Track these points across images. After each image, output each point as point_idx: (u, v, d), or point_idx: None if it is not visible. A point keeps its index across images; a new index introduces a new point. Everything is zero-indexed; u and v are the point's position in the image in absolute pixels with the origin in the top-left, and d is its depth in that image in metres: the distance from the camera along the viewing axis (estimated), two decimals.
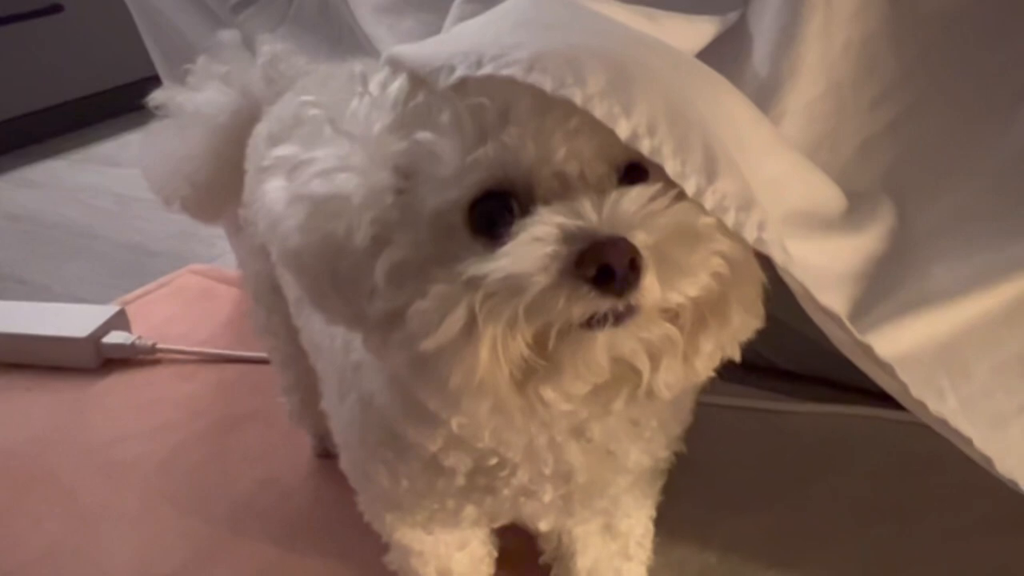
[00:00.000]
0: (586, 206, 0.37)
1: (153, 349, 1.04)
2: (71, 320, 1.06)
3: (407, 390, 0.46)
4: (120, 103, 2.06)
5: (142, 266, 1.30)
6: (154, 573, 0.74)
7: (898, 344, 0.51)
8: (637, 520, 0.62)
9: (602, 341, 0.38)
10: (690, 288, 0.38)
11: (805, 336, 0.79)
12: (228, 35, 0.84)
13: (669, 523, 0.68)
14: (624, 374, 0.41)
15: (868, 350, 0.48)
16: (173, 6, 1.04)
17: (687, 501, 0.71)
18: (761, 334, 0.87)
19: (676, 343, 0.40)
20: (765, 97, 0.57)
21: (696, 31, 0.56)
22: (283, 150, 0.45)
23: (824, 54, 0.58)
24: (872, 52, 0.58)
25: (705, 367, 0.42)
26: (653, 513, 0.63)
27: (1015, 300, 0.52)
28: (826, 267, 0.52)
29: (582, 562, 0.63)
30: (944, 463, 0.70)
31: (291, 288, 0.62)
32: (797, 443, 0.78)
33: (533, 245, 0.36)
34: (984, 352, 0.52)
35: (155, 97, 0.81)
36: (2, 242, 1.50)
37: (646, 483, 0.59)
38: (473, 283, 0.37)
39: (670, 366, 0.40)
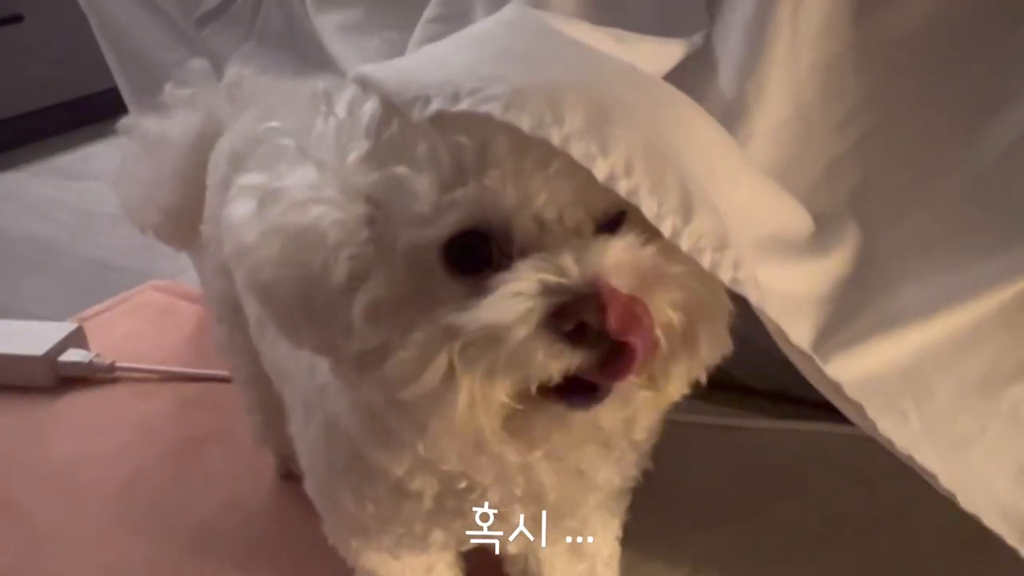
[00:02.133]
0: (567, 260, 0.37)
1: (112, 368, 1.02)
2: (27, 337, 1.04)
3: (372, 414, 0.46)
4: (80, 115, 2.04)
5: (103, 282, 1.28)
6: None
7: (862, 367, 0.52)
8: (604, 540, 0.62)
9: (580, 418, 0.39)
10: (659, 320, 0.38)
11: (768, 352, 0.80)
12: (198, 63, 0.83)
13: (637, 541, 0.68)
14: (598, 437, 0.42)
15: (838, 388, 0.49)
16: (135, 21, 1.02)
17: (654, 519, 0.70)
18: (737, 355, 0.87)
19: (652, 400, 0.41)
20: (732, 119, 0.57)
21: (663, 54, 0.56)
22: (251, 178, 0.45)
23: (790, 76, 0.58)
24: (837, 74, 0.58)
25: (675, 392, 0.42)
26: (619, 533, 0.63)
27: (977, 321, 0.53)
28: (793, 292, 0.52)
29: None
30: (903, 478, 0.72)
31: (252, 309, 0.61)
32: (761, 459, 0.79)
33: (513, 299, 0.37)
34: (947, 373, 0.53)
35: (123, 124, 0.82)
36: None
37: (613, 502, 0.60)
38: (452, 331, 0.37)
39: (645, 413, 0.41)
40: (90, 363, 1.02)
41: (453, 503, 0.50)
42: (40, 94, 2.00)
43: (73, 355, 1.02)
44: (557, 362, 0.37)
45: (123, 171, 0.83)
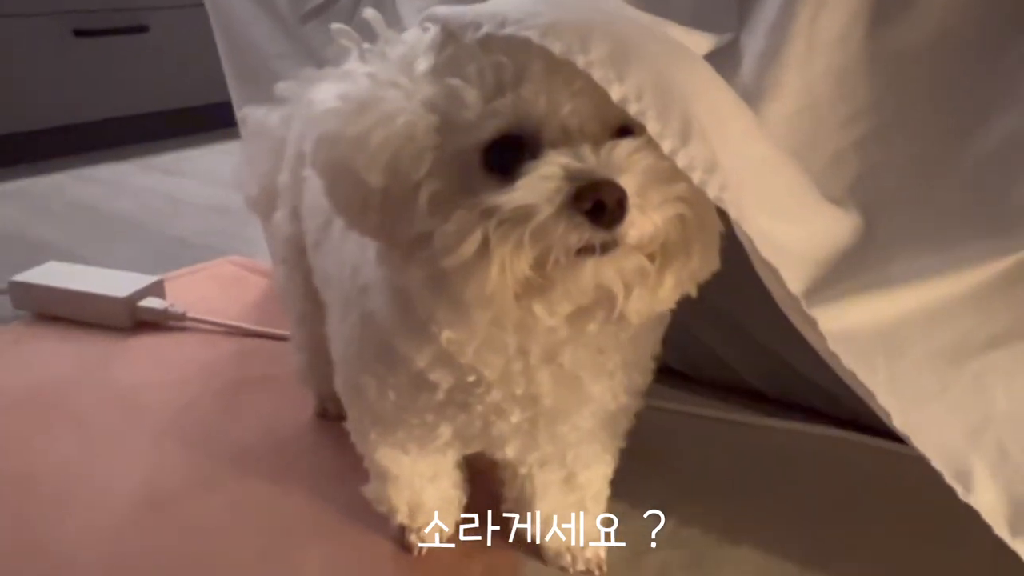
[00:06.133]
0: (586, 152, 0.45)
1: (183, 317, 1.13)
2: (112, 283, 1.15)
3: (407, 307, 0.54)
4: (187, 122, 2.22)
5: (184, 256, 1.39)
6: (153, 493, 0.80)
7: (843, 321, 0.58)
8: (595, 474, 0.67)
9: (589, 267, 0.46)
10: (658, 217, 0.46)
11: (787, 361, 0.85)
12: (308, 71, 0.94)
13: (631, 499, 0.74)
14: (602, 299, 0.49)
15: (796, 302, 0.55)
16: (249, 15, 1.15)
17: (653, 484, 0.77)
18: (749, 360, 0.93)
19: (647, 274, 0.48)
20: (750, 105, 0.64)
21: (693, 43, 0.64)
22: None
23: (803, 76, 0.65)
24: (847, 78, 0.65)
25: (668, 298, 0.50)
26: (610, 472, 0.68)
27: (953, 296, 0.59)
28: (794, 249, 0.58)
29: (540, 508, 0.68)
30: (883, 478, 0.77)
31: (314, 226, 0.70)
32: (756, 451, 0.84)
33: (541, 180, 0.44)
34: (920, 338, 0.58)
35: (241, 114, 0.96)
36: (62, 224, 1.61)
37: (607, 437, 0.65)
38: (489, 211, 0.45)
39: (640, 295, 0.48)
40: (165, 310, 1.12)
41: (462, 396, 0.57)
42: (153, 99, 2.18)
43: (151, 302, 1.13)
44: (576, 235, 0.44)
45: (241, 154, 0.96)
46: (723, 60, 0.66)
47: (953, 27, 0.63)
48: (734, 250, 0.52)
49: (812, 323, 0.55)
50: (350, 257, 0.61)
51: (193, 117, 2.21)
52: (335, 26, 0.55)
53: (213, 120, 2.12)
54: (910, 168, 0.64)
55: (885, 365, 0.57)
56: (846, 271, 0.59)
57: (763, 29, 0.67)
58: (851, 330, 0.58)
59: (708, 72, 0.55)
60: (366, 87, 0.50)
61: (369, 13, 0.53)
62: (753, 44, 0.67)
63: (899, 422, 0.55)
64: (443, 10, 0.51)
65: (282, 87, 0.90)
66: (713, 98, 0.53)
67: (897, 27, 0.64)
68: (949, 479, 0.54)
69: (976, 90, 0.63)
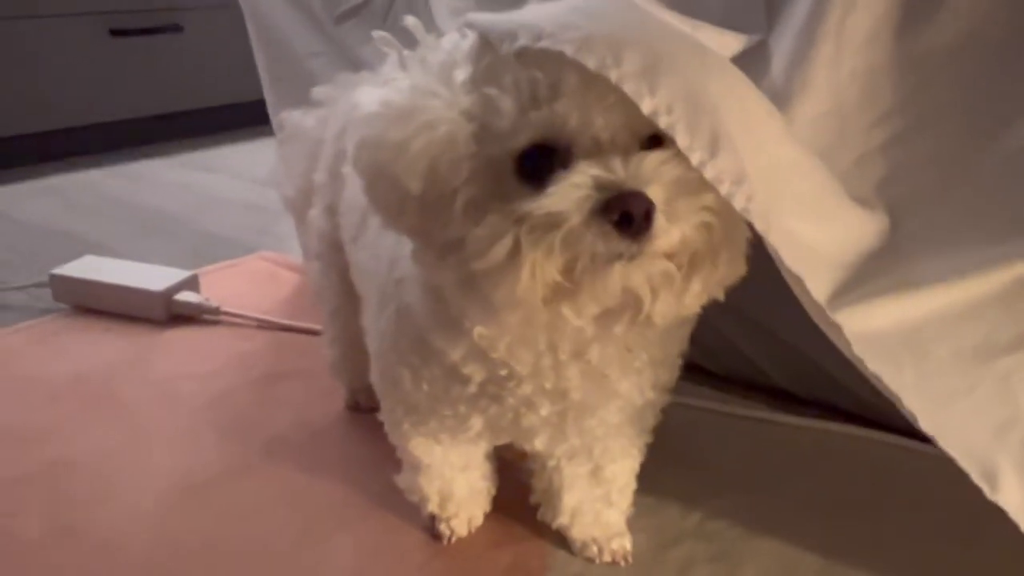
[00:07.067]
0: (616, 164, 0.47)
1: (218, 311, 1.15)
2: (150, 277, 1.18)
3: (440, 302, 0.56)
4: (221, 120, 2.26)
5: (217, 251, 1.42)
6: (191, 479, 0.83)
7: (869, 322, 0.59)
8: (621, 468, 0.69)
9: (617, 272, 0.47)
10: (686, 226, 0.47)
11: (812, 359, 0.86)
12: (344, 76, 0.96)
13: (657, 494, 0.76)
14: (628, 302, 0.50)
15: (822, 309, 0.56)
16: (283, 15, 1.17)
17: (679, 478, 0.78)
18: (774, 358, 0.94)
19: (673, 279, 0.49)
20: (778, 105, 0.65)
21: (723, 44, 0.65)
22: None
23: (831, 78, 0.66)
24: (874, 81, 0.66)
25: (693, 303, 0.51)
26: (636, 466, 0.70)
27: (978, 296, 0.59)
28: (821, 250, 0.59)
29: (567, 500, 0.70)
30: (906, 476, 0.78)
31: (351, 223, 0.72)
32: (781, 448, 0.85)
33: (571, 189, 0.46)
34: (946, 337, 0.59)
35: (279, 118, 0.98)
36: (97, 218, 1.65)
37: (634, 432, 0.66)
38: (521, 217, 0.46)
39: (666, 299, 0.50)
40: (200, 304, 1.15)
41: (494, 389, 0.59)
42: (188, 98, 2.21)
43: (186, 296, 1.16)
44: (603, 244, 0.46)
45: (279, 156, 0.99)
46: (752, 62, 0.68)
47: (978, 31, 0.64)
48: (760, 249, 0.53)
49: (838, 329, 0.56)
50: (387, 251, 0.63)
51: (226, 115, 2.24)
52: (377, 33, 0.56)
53: (246, 118, 2.15)
54: (934, 170, 0.65)
55: (911, 365, 0.58)
56: (872, 273, 0.60)
57: (792, 31, 0.68)
58: (877, 331, 0.59)
59: (739, 79, 0.56)
60: (408, 95, 0.52)
61: (410, 21, 0.54)
62: (782, 46, 0.69)
63: (926, 424, 0.56)
64: (480, 18, 0.53)
65: (318, 91, 0.93)
66: (743, 104, 0.54)
67: (924, 30, 0.65)
68: (976, 479, 0.55)
69: (1000, 93, 0.63)
